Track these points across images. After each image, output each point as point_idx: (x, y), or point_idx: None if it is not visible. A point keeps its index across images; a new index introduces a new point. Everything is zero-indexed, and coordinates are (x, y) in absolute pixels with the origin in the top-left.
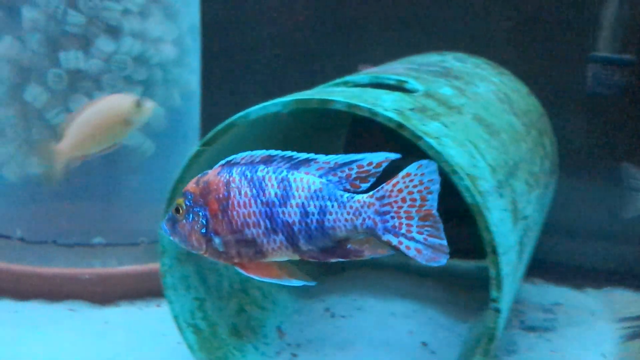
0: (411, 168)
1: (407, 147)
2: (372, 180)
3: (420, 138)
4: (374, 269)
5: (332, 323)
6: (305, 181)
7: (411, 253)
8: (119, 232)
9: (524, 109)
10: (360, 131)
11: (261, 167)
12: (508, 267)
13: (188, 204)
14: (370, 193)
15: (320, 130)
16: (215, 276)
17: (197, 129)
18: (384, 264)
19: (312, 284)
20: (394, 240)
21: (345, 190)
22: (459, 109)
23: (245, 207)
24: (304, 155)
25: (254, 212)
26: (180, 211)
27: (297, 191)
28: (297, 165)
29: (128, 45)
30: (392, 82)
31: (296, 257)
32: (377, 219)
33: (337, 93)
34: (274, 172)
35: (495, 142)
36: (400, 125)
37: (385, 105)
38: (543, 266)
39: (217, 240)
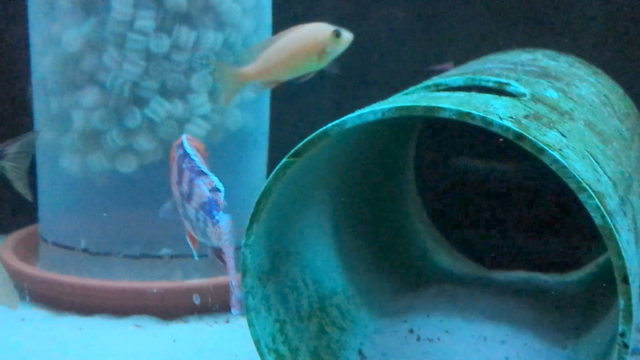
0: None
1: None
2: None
3: (542, 150)
4: (457, 285)
5: (419, 347)
6: (201, 190)
7: None
8: (185, 243)
9: (624, 112)
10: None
11: (187, 160)
12: (636, 296)
13: None
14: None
15: (396, 135)
16: (295, 295)
17: (266, 130)
18: (466, 279)
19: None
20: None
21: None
22: (570, 115)
23: (172, 186)
24: (202, 167)
25: (176, 194)
26: None
27: (195, 196)
28: (199, 174)
29: (211, 41)
30: (491, 85)
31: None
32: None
33: (443, 99)
34: (189, 171)
35: (609, 151)
36: (520, 136)
37: (499, 112)
38: None
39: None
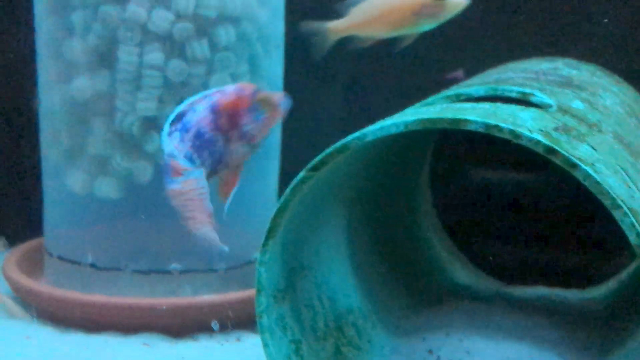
0: None
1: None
2: None
3: (575, 165)
4: (475, 300)
5: None
6: None
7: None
8: (194, 257)
9: None
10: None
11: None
12: None
13: None
14: None
15: (413, 146)
16: (310, 313)
17: (278, 134)
18: (484, 294)
19: None
20: None
21: None
22: (598, 127)
23: None
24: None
25: None
26: None
27: None
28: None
29: (224, 41)
30: (514, 95)
31: None
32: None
33: (468, 110)
34: None
35: (639, 165)
36: (551, 150)
37: (527, 124)
38: None
39: None
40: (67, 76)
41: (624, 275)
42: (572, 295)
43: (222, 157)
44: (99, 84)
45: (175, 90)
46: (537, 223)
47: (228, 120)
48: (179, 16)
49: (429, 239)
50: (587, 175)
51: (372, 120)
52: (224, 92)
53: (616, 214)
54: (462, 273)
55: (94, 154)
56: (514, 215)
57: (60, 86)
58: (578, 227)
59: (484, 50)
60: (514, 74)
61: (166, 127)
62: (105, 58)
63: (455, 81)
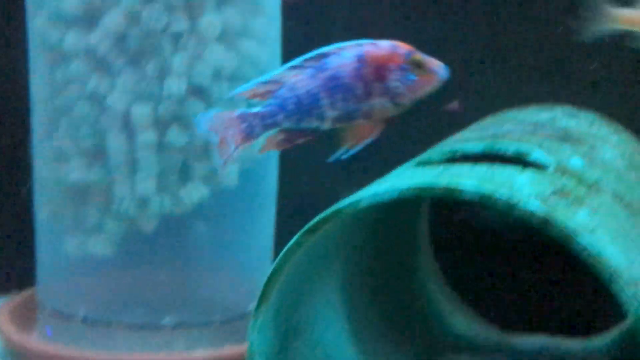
0: None
1: None
2: None
3: (570, 238)
4: (476, 353)
5: None
6: None
7: None
8: (188, 308)
9: None
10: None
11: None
12: None
13: None
14: None
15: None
16: None
17: (274, 180)
18: (485, 345)
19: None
20: None
21: None
22: (597, 187)
23: None
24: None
25: None
26: None
27: None
28: None
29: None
30: (510, 154)
31: None
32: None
33: (464, 176)
34: None
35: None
36: (545, 222)
37: (524, 191)
38: None
39: None
40: (60, 163)
41: (625, 326)
42: (574, 344)
43: (358, 107)
44: (93, 175)
45: (178, 156)
46: (540, 267)
47: (373, 72)
48: (169, 99)
49: (427, 287)
50: (583, 248)
51: (370, 151)
52: (377, 44)
53: (613, 287)
54: (462, 322)
55: (89, 224)
56: (515, 259)
57: (54, 170)
58: (577, 273)
59: (484, 89)
60: (512, 127)
61: (296, 60)
62: (95, 151)
63: (452, 113)
